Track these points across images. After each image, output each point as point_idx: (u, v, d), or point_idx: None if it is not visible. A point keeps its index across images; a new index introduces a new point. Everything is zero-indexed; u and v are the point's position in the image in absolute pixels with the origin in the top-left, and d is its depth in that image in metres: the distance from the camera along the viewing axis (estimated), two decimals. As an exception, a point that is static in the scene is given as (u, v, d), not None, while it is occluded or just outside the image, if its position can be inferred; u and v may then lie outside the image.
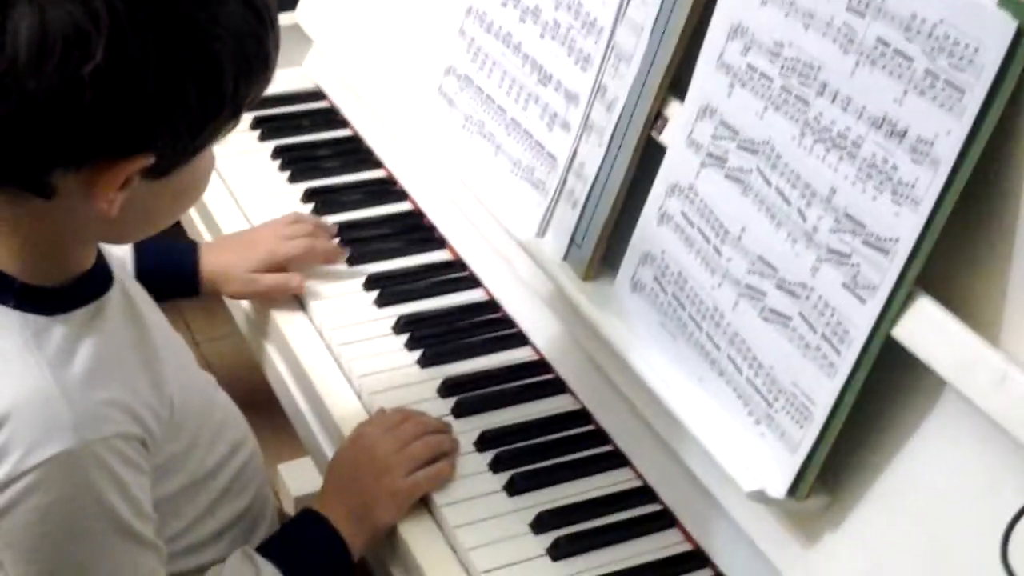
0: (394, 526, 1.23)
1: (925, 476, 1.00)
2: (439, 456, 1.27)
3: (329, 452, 1.35)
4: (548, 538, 1.20)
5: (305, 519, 1.23)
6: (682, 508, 1.22)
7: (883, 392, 1.03)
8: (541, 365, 1.41)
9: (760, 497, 1.06)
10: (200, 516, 1.20)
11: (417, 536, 1.22)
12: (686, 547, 1.21)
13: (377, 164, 1.75)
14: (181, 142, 0.97)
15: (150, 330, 1.12)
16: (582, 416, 1.35)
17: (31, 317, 1.01)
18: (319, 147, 1.81)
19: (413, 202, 1.67)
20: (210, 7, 0.93)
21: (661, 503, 1.24)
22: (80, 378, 1.01)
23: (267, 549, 1.20)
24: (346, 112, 1.85)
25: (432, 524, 1.23)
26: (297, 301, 1.51)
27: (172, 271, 1.45)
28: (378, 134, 1.75)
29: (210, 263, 1.48)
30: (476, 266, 1.53)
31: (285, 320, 1.49)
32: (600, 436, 1.32)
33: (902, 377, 1.01)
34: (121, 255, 1.36)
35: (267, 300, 1.51)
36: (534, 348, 1.43)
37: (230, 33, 0.94)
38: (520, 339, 1.45)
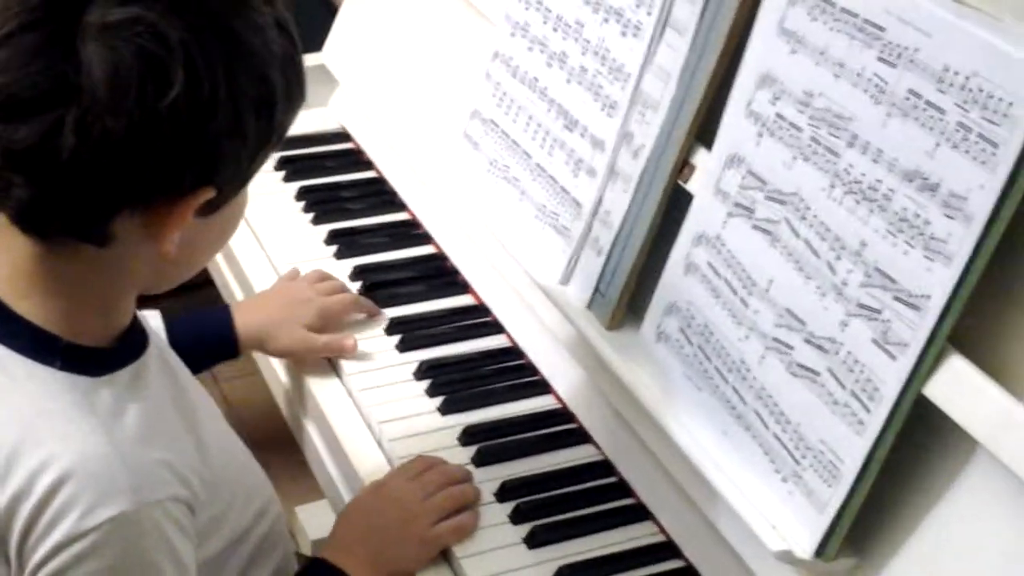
0: (416, 570, 1.20)
1: (956, 539, 0.97)
2: (463, 507, 1.24)
3: (347, 497, 1.33)
4: (564, 593, 1.18)
5: (317, 570, 1.20)
6: (706, 565, 1.19)
7: (914, 451, 1.00)
8: (564, 414, 1.39)
9: (787, 558, 1.03)
10: None
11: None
12: (710, 605, 1.18)
13: (401, 206, 1.74)
14: (239, 173, 0.96)
15: (187, 390, 1.10)
16: (605, 467, 1.32)
17: (77, 378, 0.98)
18: (343, 188, 1.80)
19: (436, 245, 1.65)
20: (260, 33, 0.92)
21: (685, 559, 1.21)
22: (132, 440, 0.98)
23: None
24: (371, 153, 1.84)
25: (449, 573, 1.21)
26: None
27: (209, 336, 1.41)
28: (402, 176, 1.74)
29: (249, 321, 1.43)
30: (499, 311, 1.52)
31: (305, 364, 1.47)
32: (623, 488, 1.30)
33: (934, 436, 0.99)
34: (154, 326, 1.33)
35: (314, 356, 1.46)
36: (557, 396, 1.41)
37: (277, 58, 0.93)
38: (543, 387, 1.42)
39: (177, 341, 1.33)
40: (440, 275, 1.62)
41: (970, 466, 0.96)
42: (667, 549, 1.23)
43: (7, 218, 0.94)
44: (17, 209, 0.92)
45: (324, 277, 1.53)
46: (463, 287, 1.58)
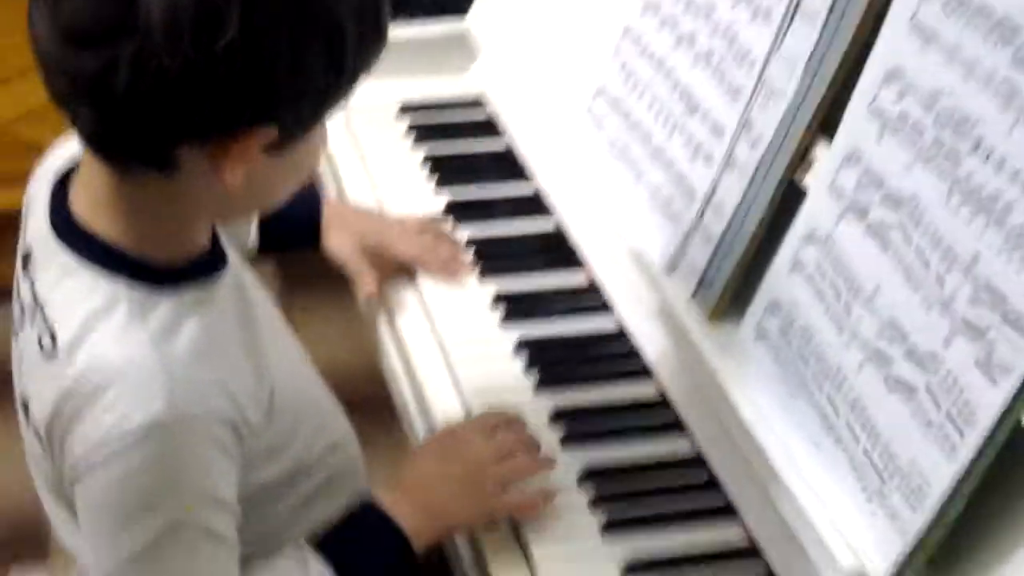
0: (467, 528, 1.20)
1: (1045, 581, 0.91)
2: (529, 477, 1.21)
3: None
4: (634, 588, 1.14)
5: (367, 514, 1.17)
6: (787, 573, 1.14)
7: (1010, 485, 0.94)
8: (662, 404, 1.35)
9: (861, 580, 0.98)
10: (294, 510, 1.17)
11: (499, 559, 1.17)
12: (785, 616, 1.13)
13: (528, 178, 1.71)
14: (304, 115, 0.97)
15: (257, 318, 1.11)
16: (697, 463, 1.27)
17: (140, 291, 1.00)
18: (472, 157, 1.77)
19: (558, 220, 1.62)
20: None
21: (766, 565, 1.16)
22: (181, 354, 1.00)
23: (323, 546, 1.14)
24: (504, 123, 1.81)
25: (517, 550, 1.18)
26: (423, 307, 1.48)
27: (296, 220, 1.46)
28: (532, 148, 1.71)
29: (330, 215, 1.48)
30: (611, 293, 1.48)
31: (408, 325, 1.46)
32: (712, 486, 1.25)
33: (1027, 471, 0.92)
34: None
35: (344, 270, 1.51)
36: (657, 385, 1.37)
37: (351, 4, 0.93)
38: (645, 374, 1.38)
39: (266, 218, 1.40)
40: (557, 250, 1.58)
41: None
42: (750, 554, 1.18)
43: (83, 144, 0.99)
44: (87, 134, 0.96)
45: (435, 228, 1.54)
46: (578, 265, 1.55)
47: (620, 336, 1.43)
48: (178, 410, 0.98)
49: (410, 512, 1.16)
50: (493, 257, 1.55)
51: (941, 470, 0.95)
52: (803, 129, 1.16)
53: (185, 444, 0.99)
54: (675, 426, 1.31)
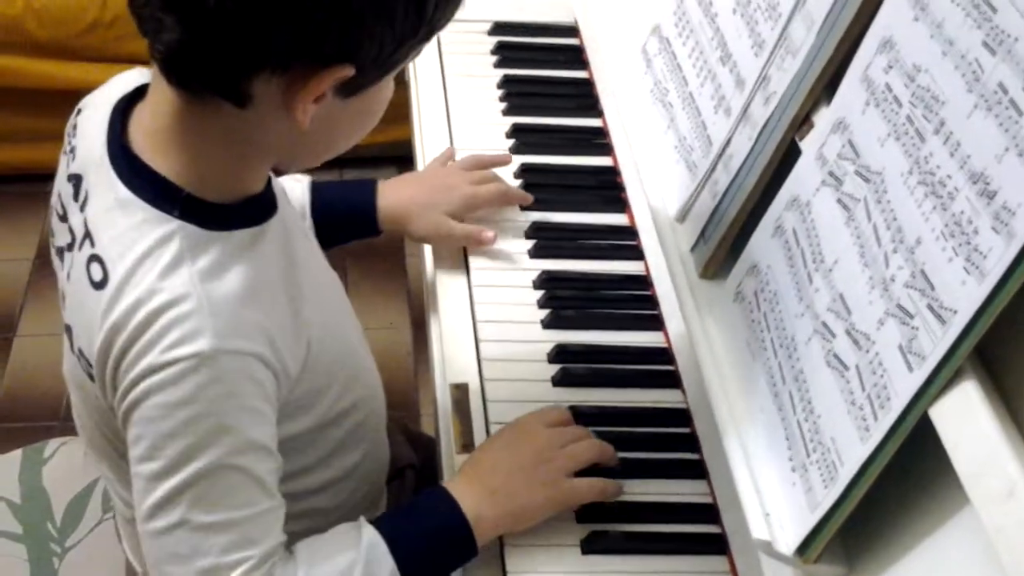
0: (539, 517, 1.14)
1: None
2: (602, 465, 1.17)
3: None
4: (584, 530, 1.15)
5: (431, 494, 1.13)
6: (737, 537, 1.14)
7: (921, 472, 0.92)
8: (666, 354, 1.34)
9: (767, 549, 0.98)
10: (315, 463, 1.19)
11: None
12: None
13: (599, 113, 1.70)
14: (380, 58, 0.96)
15: (299, 266, 1.10)
16: (683, 416, 1.28)
17: (191, 229, 1.00)
18: (549, 84, 1.77)
19: (615, 158, 1.61)
20: None
21: (721, 526, 1.17)
22: (227, 294, 0.99)
23: (379, 520, 1.10)
24: (590, 53, 1.80)
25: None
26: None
27: (350, 207, 1.42)
28: (606, 81, 1.70)
29: (392, 199, 1.41)
30: (644, 238, 1.47)
31: (443, 251, 1.48)
32: (692, 442, 1.25)
33: (940, 461, 0.90)
34: (298, 195, 1.37)
35: (450, 246, 1.45)
36: (667, 335, 1.36)
37: None
38: (657, 322, 1.38)
39: (318, 207, 1.37)
40: (606, 189, 1.57)
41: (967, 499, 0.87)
42: (709, 512, 1.18)
43: (157, 66, 0.97)
44: (165, 53, 0.94)
45: (478, 165, 1.49)
46: (623, 205, 1.54)
47: (648, 283, 1.42)
48: (221, 344, 0.98)
49: (474, 497, 1.11)
50: (542, 188, 1.54)
51: (854, 450, 0.93)
52: (807, 90, 1.14)
53: (224, 378, 0.98)
54: (674, 378, 1.31)
